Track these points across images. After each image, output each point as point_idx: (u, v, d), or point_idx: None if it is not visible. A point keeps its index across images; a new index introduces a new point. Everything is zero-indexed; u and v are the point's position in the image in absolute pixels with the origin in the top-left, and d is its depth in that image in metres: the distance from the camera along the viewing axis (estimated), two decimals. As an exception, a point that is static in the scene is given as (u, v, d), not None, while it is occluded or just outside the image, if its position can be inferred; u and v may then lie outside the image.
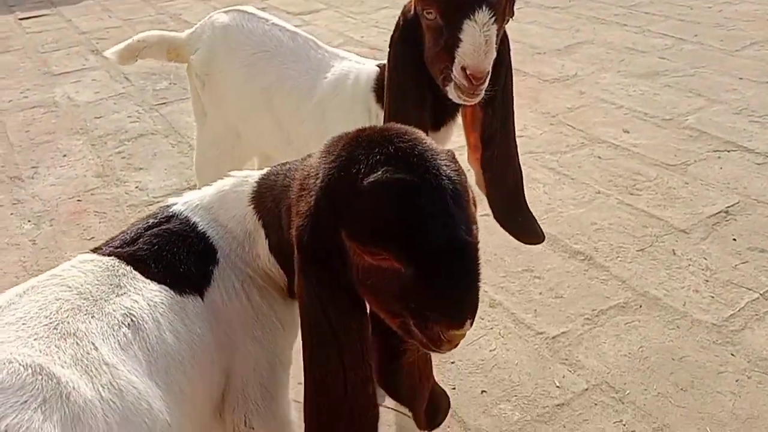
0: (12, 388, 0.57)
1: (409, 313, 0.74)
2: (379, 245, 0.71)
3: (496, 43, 1.21)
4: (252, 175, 0.95)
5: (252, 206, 0.91)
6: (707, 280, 1.93)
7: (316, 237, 0.75)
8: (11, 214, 2.48)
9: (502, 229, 2.17)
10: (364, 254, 0.72)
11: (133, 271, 0.79)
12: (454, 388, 1.62)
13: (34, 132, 3.11)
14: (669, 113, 2.98)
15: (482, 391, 1.61)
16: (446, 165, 0.74)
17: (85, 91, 3.66)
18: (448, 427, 1.52)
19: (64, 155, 2.91)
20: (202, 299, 0.84)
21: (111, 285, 0.75)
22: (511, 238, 2.14)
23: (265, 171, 0.95)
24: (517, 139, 2.70)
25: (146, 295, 0.77)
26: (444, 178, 0.72)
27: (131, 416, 0.65)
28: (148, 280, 0.79)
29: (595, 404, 1.56)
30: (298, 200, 0.79)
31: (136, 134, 3.09)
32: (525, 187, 2.42)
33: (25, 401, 0.57)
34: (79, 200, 2.53)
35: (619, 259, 2.05)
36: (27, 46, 4.46)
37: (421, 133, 0.78)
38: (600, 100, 3.15)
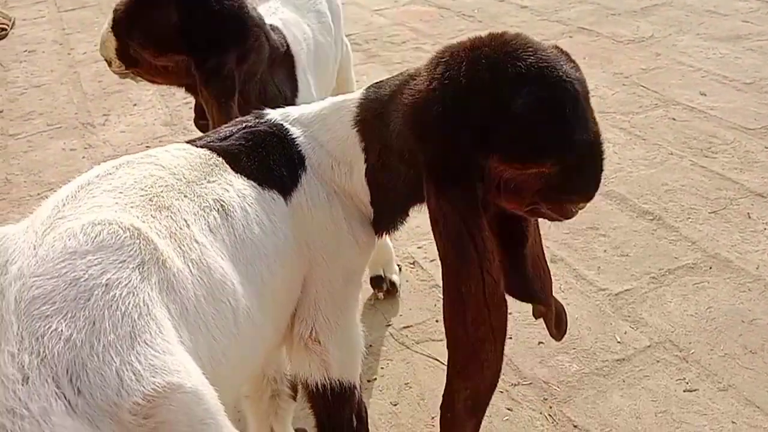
0: (112, 247, 0.59)
1: (544, 200, 0.82)
2: (536, 160, 0.77)
3: None
4: (349, 98, 0.93)
5: (356, 130, 0.90)
6: (785, 245, 1.84)
7: (455, 162, 0.78)
8: (83, 157, 2.58)
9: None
10: (511, 169, 0.77)
11: (225, 163, 0.80)
12: (510, 338, 1.60)
13: (106, 82, 3.20)
14: (750, 77, 2.82)
15: (539, 342, 1.59)
16: (570, 67, 0.78)
17: (156, 45, 3.74)
18: (503, 374, 1.51)
19: (135, 104, 2.99)
20: (288, 202, 0.85)
21: (203, 172, 0.77)
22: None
23: (360, 94, 0.93)
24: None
25: (236, 186, 0.78)
26: (575, 81, 0.77)
27: (217, 294, 0.66)
28: (238, 174, 0.80)
29: (657, 361, 1.52)
30: (423, 129, 0.80)
31: (204, 86, 3.14)
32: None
33: (124, 260, 0.59)
34: (147, 146, 2.60)
35: (690, 220, 1.97)
36: (102, 2, 4.58)
37: (532, 38, 0.81)
38: (676, 63, 3.00)
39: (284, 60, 1.44)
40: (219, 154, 0.81)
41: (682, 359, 1.52)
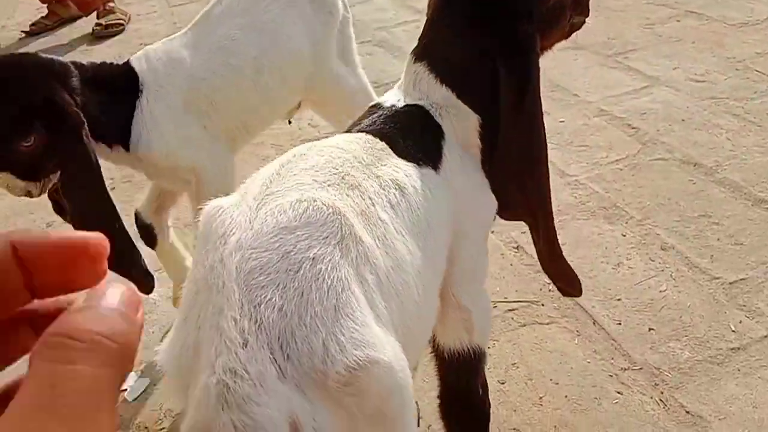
0: (317, 223, 0.63)
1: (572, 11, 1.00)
2: None
3: None
4: (413, 66, 0.96)
5: (442, 84, 0.94)
6: None
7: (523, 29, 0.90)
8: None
9: (679, 175, 2.08)
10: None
11: (387, 146, 0.84)
12: (619, 324, 1.60)
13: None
14: None
15: (650, 329, 1.58)
16: None
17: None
18: (612, 359, 1.51)
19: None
20: (439, 173, 0.88)
21: (375, 156, 0.80)
22: (689, 182, 2.05)
23: (415, 59, 0.97)
24: (698, 84, 2.54)
25: (402, 167, 0.81)
26: None
27: (403, 265, 0.70)
28: (399, 155, 0.84)
29: (776, 352, 1.48)
30: (487, 24, 0.91)
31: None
32: (706, 132, 2.29)
33: (327, 236, 0.63)
34: (258, 133, 2.73)
35: (810, 209, 1.89)
36: None
37: None
38: (795, 45, 2.85)
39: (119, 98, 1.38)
40: (381, 139, 0.85)
41: (802, 351, 1.47)
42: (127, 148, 1.39)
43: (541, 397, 1.46)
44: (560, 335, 1.60)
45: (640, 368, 1.48)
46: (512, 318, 1.68)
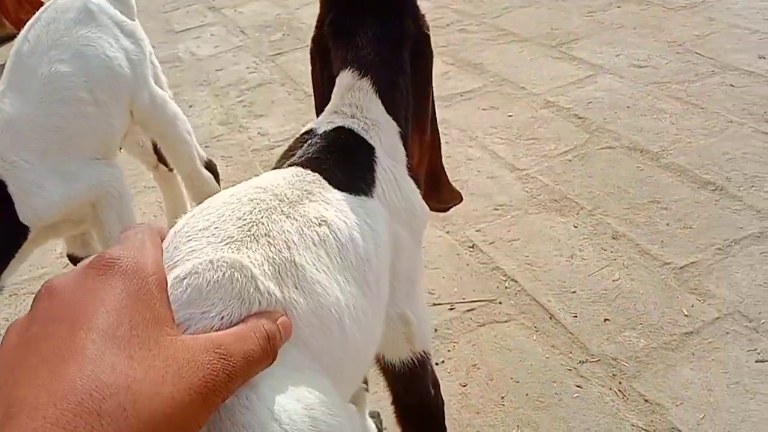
0: (213, 290, 0.57)
1: None
2: None
3: None
4: (347, 77, 0.94)
5: (376, 95, 0.93)
6: None
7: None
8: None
9: (627, 162, 2.11)
10: None
11: (318, 178, 0.80)
12: (575, 316, 1.61)
13: (163, 85, 3.31)
14: (813, 35, 2.72)
15: (605, 320, 1.59)
16: None
17: (206, 45, 3.83)
18: (571, 352, 1.52)
19: (191, 106, 3.08)
20: (374, 195, 0.86)
21: (302, 191, 0.76)
22: (636, 169, 2.08)
23: (347, 69, 0.94)
24: (641, 70, 2.58)
25: (333, 199, 0.78)
26: None
27: (328, 305, 0.66)
28: (332, 185, 0.80)
29: (727, 333, 1.50)
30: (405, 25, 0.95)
31: (255, 84, 3.21)
32: (651, 118, 2.32)
33: (228, 299, 0.56)
34: (207, 146, 2.68)
35: (753, 188, 1.93)
36: (149, 7, 4.71)
37: None
38: (732, 26, 2.92)
39: None
40: (313, 170, 0.81)
41: (752, 329, 1.50)
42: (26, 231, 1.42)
43: (502, 397, 1.46)
44: (519, 332, 1.61)
45: (598, 360, 1.50)
46: (471, 318, 1.68)
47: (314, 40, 0.99)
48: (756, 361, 1.44)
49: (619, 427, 1.35)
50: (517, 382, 1.49)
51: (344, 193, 0.81)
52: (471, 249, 1.91)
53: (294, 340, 0.60)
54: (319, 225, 0.72)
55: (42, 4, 3.50)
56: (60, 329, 0.38)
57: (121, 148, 1.75)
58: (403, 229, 0.90)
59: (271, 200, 0.71)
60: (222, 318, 0.55)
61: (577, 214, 1.94)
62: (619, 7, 3.30)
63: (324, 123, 0.92)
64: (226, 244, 0.62)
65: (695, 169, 2.04)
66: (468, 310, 1.70)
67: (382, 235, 0.83)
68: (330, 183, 0.81)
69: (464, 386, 1.51)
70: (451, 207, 1.20)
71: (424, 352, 0.98)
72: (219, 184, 1.98)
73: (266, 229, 0.66)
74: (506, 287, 1.74)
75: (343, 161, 0.86)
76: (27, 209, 1.39)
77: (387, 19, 0.93)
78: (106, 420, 0.34)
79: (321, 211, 0.74)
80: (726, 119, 2.26)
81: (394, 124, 0.93)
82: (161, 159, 2.02)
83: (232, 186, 0.78)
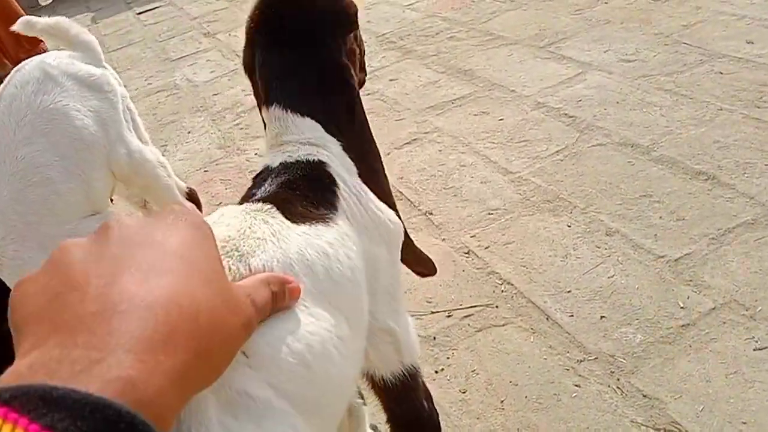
0: None
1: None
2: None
3: None
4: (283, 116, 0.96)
5: (307, 120, 0.94)
6: None
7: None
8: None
9: (618, 158, 2.12)
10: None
11: (277, 215, 0.79)
12: (572, 316, 1.62)
13: (161, 114, 3.36)
14: (801, 17, 2.71)
15: (601, 317, 1.60)
16: None
17: (202, 71, 3.88)
18: (568, 352, 1.53)
19: (189, 132, 3.12)
20: (341, 219, 0.85)
21: (263, 222, 0.75)
22: (627, 164, 2.08)
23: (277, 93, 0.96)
24: (629, 64, 2.59)
25: (293, 237, 0.76)
26: None
27: (293, 345, 0.64)
28: (293, 220, 0.79)
29: (724, 323, 1.50)
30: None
31: (251, 106, 3.25)
32: (641, 112, 2.33)
33: None
34: (206, 171, 2.72)
35: (746, 175, 1.92)
36: (146, 37, 4.78)
37: None
38: (718, 14, 2.91)
39: None
40: (274, 205, 0.80)
41: (749, 318, 1.50)
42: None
43: (502, 401, 1.47)
44: (516, 335, 1.62)
45: (596, 358, 1.50)
46: (468, 324, 1.69)
47: (245, 68, 1.01)
48: (754, 350, 1.43)
49: (618, 424, 1.35)
50: (516, 385, 1.49)
51: (307, 225, 0.80)
52: (467, 255, 1.93)
53: (261, 382, 0.60)
54: (284, 265, 0.71)
55: (40, 42, 3.57)
56: (145, 252, 0.41)
57: (112, 200, 1.76)
58: (377, 247, 0.90)
59: (227, 249, 0.70)
60: None
61: (571, 213, 1.95)
62: (606, 2, 3.31)
63: (275, 156, 0.92)
64: None
65: (686, 159, 2.05)
66: (465, 317, 1.71)
67: (352, 256, 0.83)
68: (289, 218, 0.80)
69: (464, 392, 1.51)
70: (420, 272, 1.19)
71: (413, 365, 0.98)
72: (201, 211, 2.00)
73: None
74: (502, 291, 1.75)
75: (303, 190, 0.86)
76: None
77: (307, 49, 0.94)
78: (200, 331, 0.40)
79: (282, 249, 0.73)
80: (716, 107, 2.26)
81: (333, 139, 0.94)
82: None
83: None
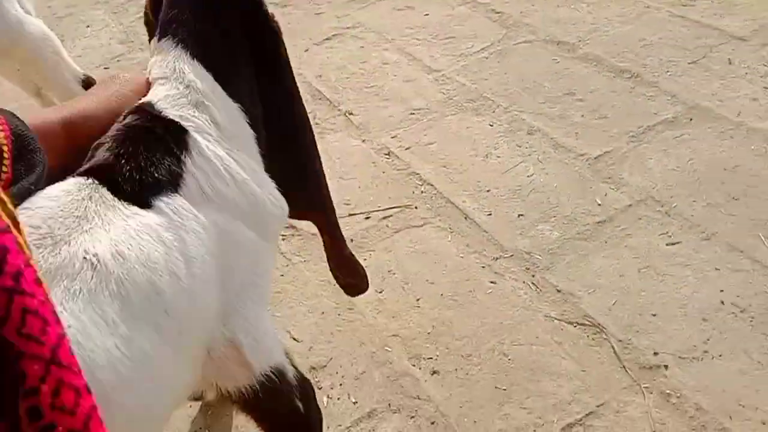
0: None
1: None
2: None
3: None
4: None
5: (203, 69, 0.82)
6: (766, 87, 1.77)
7: None
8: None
9: (543, 55, 2.05)
10: None
11: (106, 195, 0.67)
12: (489, 215, 1.58)
13: (56, 6, 3.04)
14: None
15: (519, 215, 1.57)
16: None
17: (103, -40, 3.54)
18: (485, 250, 1.50)
19: (88, 26, 2.85)
20: (183, 194, 0.72)
21: (75, 216, 0.64)
22: (552, 62, 2.02)
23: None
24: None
25: (118, 219, 0.66)
26: None
27: (93, 369, 0.56)
28: (120, 198, 0.68)
29: (639, 219, 1.50)
30: None
31: (158, -2, 2.99)
32: (568, 8, 2.25)
33: None
34: (106, 68, 2.50)
35: (668, 73, 1.90)
36: None
37: None
38: None
39: None
40: (105, 182, 0.68)
41: (664, 214, 1.50)
42: None
43: (418, 300, 1.43)
44: (434, 235, 1.57)
45: (512, 255, 1.48)
46: (387, 225, 1.63)
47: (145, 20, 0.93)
48: (667, 245, 1.44)
49: (531, 319, 1.34)
50: (432, 283, 1.46)
51: (136, 206, 0.68)
52: (387, 156, 1.85)
53: None
54: (90, 269, 0.60)
55: None
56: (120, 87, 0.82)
57: None
58: (241, 224, 0.77)
59: (38, 239, 0.60)
60: None
61: (493, 112, 1.89)
62: None
63: (156, 99, 0.78)
64: None
65: (611, 57, 2.00)
66: (384, 218, 1.65)
67: (194, 245, 0.70)
68: (118, 194, 0.68)
69: (380, 292, 1.47)
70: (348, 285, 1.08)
71: (273, 368, 0.81)
72: None
73: None
74: (422, 192, 1.69)
75: (148, 161, 0.71)
76: None
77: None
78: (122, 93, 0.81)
79: (91, 247, 0.62)
80: (643, 5, 2.20)
81: (230, 100, 0.82)
82: None
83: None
